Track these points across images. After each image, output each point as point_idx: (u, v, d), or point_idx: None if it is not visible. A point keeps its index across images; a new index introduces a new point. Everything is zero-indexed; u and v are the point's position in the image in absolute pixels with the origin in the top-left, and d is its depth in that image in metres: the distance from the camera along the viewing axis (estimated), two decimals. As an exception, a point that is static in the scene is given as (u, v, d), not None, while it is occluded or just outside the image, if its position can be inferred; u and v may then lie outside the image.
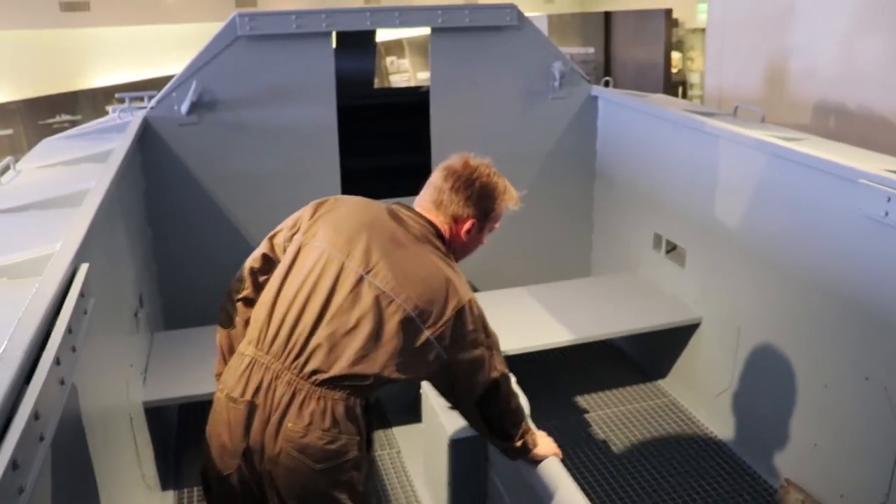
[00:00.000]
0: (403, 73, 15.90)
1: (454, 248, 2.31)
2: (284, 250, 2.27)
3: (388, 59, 15.81)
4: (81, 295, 2.16)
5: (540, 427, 2.55)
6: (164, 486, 3.39)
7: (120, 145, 3.76)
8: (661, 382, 4.49)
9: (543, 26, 9.96)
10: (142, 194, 4.23)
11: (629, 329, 4.23)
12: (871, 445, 3.00)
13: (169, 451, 3.85)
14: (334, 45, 4.44)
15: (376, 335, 2.06)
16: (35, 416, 1.59)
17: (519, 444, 2.37)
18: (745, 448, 3.79)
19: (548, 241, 5.11)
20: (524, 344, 3.96)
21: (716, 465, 3.73)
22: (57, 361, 1.80)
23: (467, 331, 2.14)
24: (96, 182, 3.18)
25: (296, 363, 2.07)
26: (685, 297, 4.26)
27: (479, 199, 2.27)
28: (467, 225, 2.28)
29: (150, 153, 4.26)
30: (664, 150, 4.34)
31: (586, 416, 4.21)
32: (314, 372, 2.06)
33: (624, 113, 4.71)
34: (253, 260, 2.36)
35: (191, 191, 4.35)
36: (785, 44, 5.94)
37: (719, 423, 3.99)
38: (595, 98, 4.90)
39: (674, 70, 11.30)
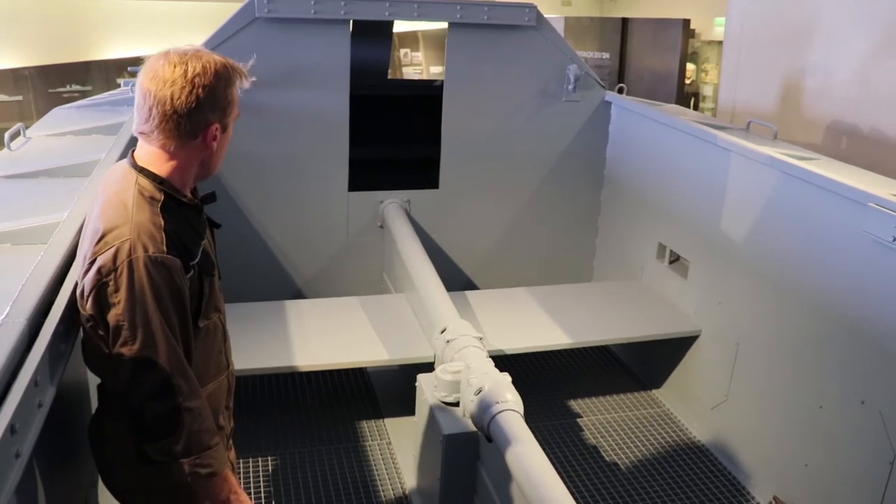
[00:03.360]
0: (416, 65, 15.89)
1: None
2: None
3: (402, 51, 15.79)
4: None
5: (532, 429, 2.54)
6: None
7: (131, 118, 3.75)
8: (655, 392, 4.49)
9: (560, 28, 9.94)
10: None
11: (627, 336, 4.22)
12: (863, 469, 3.00)
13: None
14: (351, 33, 4.43)
15: None
16: (35, 382, 1.60)
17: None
18: (735, 463, 3.79)
19: (551, 244, 5.10)
20: (521, 344, 3.96)
21: (705, 479, 3.73)
22: (59, 330, 1.80)
23: None
24: (106, 154, 3.18)
25: None
26: (686, 308, 4.26)
27: None
28: None
29: None
30: (674, 160, 4.34)
31: (579, 420, 4.21)
32: None
33: (636, 120, 4.70)
34: None
35: None
36: (801, 62, 5.93)
37: (711, 437, 3.99)
38: (608, 104, 4.89)
39: (687, 81, 11.29)
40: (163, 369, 1.76)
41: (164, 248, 1.76)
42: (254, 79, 1.96)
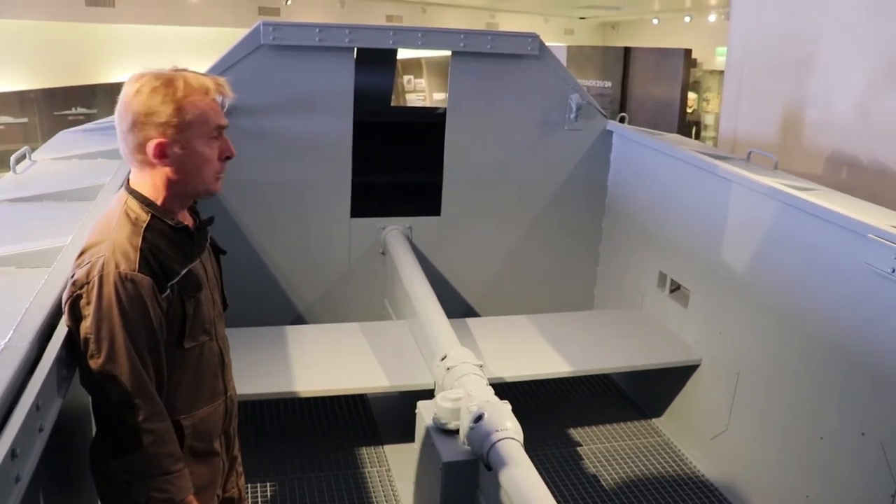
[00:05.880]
0: (419, 92, 16.02)
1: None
2: None
3: (406, 78, 15.92)
4: None
5: (532, 457, 2.54)
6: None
7: None
8: (655, 421, 4.48)
9: (562, 57, 10.03)
10: None
11: (627, 365, 4.22)
12: (865, 501, 2.98)
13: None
14: (355, 60, 4.47)
15: None
16: (36, 407, 1.60)
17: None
18: (735, 493, 3.77)
19: (553, 271, 5.11)
20: (521, 371, 3.95)
21: (705, 509, 3.72)
22: (62, 354, 1.81)
23: None
24: (111, 178, 3.20)
25: None
26: (686, 337, 4.26)
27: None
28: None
29: None
30: (675, 189, 4.36)
31: (578, 448, 4.19)
32: None
33: (638, 150, 4.73)
34: None
35: None
36: (802, 92, 5.97)
37: (711, 467, 3.97)
38: (610, 133, 4.93)
39: (689, 110, 11.37)
40: (123, 386, 1.77)
41: (137, 267, 1.78)
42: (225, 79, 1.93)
